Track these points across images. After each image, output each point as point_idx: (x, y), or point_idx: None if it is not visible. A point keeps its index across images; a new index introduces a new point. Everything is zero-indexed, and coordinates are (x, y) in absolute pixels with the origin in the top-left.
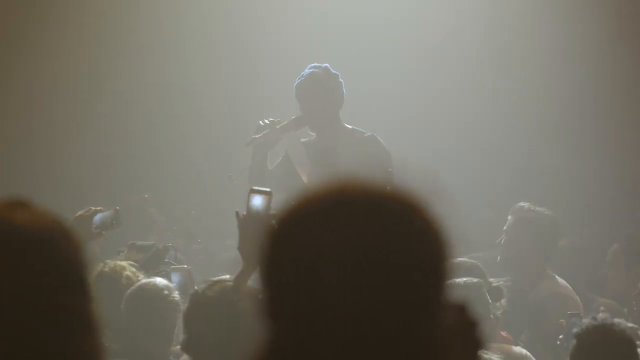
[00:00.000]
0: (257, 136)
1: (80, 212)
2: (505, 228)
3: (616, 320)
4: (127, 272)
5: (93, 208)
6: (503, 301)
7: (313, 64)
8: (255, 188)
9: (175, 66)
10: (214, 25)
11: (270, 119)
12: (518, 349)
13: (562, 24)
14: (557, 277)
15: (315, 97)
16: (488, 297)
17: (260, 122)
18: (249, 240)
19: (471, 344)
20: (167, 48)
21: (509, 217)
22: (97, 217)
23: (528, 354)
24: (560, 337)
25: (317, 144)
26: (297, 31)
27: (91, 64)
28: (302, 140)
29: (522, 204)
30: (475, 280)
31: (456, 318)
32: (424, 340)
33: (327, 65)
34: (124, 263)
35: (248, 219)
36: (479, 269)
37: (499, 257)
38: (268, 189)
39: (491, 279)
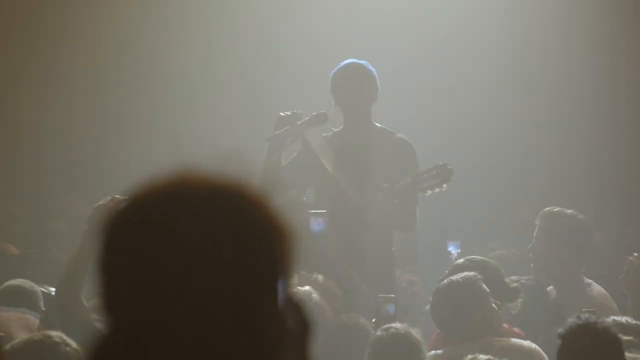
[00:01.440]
0: (279, 132)
1: (101, 202)
2: (535, 234)
3: (600, 318)
4: None
5: (118, 197)
6: (519, 302)
7: (352, 59)
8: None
9: (197, 61)
10: (235, 21)
11: (292, 111)
12: (527, 343)
13: (577, 22)
14: (593, 283)
15: (353, 87)
16: (485, 288)
17: (281, 113)
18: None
19: (300, 345)
20: (191, 43)
21: (537, 222)
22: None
23: (538, 348)
24: None
25: (345, 137)
26: (310, 30)
27: (114, 63)
28: (324, 134)
29: (551, 208)
30: (470, 274)
31: (292, 318)
32: (257, 338)
33: (366, 61)
34: None
35: None
36: (490, 266)
37: (532, 265)
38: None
39: (513, 277)
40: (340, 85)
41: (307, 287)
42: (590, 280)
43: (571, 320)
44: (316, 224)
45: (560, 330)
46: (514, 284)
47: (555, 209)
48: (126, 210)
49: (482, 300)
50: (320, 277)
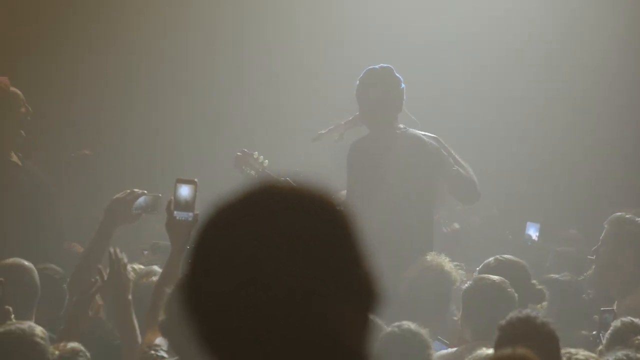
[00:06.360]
0: (323, 132)
1: (119, 194)
2: (602, 237)
3: (541, 313)
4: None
5: (137, 191)
6: (544, 304)
7: (380, 65)
8: (181, 178)
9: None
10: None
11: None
12: None
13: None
14: None
15: (374, 97)
16: (514, 295)
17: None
18: (176, 227)
19: None
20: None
21: (607, 227)
22: (140, 200)
23: None
24: (594, 332)
25: (370, 144)
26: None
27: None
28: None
29: (621, 214)
30: (496, 279)
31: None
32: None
33: (391, 67)
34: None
35: (172, 207)
36: (517, 266)
37: (593, 266)
38: (194, 179)
39: (552, 275)
40: (361, 95)
41: None
42: None
43: (513, 313)
44: None
45: (501, 322)
46: (539, 286)
47: (627, 216)
48: None
49: (508, 302)
50: None
